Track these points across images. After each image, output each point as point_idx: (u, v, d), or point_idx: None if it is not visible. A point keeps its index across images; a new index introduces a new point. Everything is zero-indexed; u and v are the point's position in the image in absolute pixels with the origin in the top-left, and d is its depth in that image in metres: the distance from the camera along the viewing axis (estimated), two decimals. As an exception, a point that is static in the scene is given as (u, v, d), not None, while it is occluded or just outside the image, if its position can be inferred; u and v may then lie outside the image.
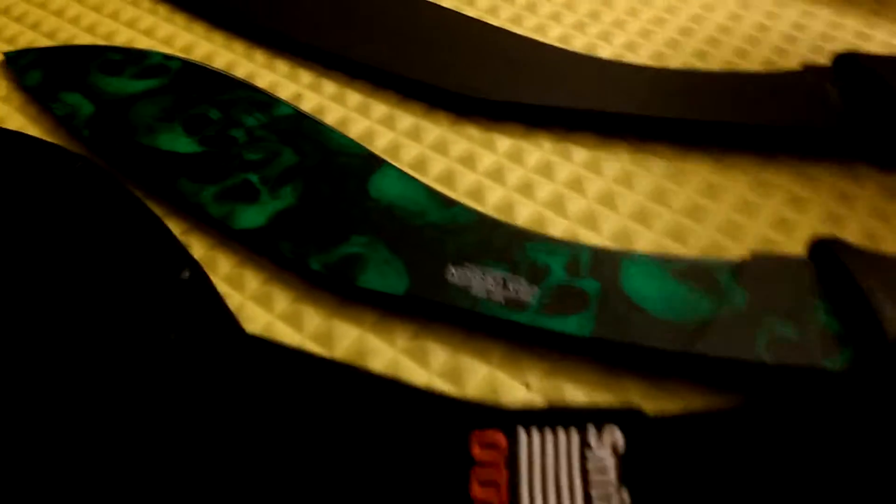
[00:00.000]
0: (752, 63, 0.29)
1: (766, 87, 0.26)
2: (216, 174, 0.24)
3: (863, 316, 0.18)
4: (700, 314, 0.20)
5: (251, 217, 0.23)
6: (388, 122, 0.27)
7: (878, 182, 0.25)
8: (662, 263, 0.21)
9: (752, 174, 0.25)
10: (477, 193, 0.25)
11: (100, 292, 0.21)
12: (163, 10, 0.32)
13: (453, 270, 0.21)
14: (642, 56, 0.30)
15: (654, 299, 0.20)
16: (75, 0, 0.33)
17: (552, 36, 0.31)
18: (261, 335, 0.21)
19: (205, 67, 0.29)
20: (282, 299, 0.22)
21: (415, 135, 0.27)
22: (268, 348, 0.20)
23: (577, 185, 0.25)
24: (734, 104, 0.26)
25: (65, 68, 0.29)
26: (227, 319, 0.21)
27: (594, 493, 0.16)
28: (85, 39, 0.31)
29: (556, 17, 0.32)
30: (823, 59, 0.29)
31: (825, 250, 0.20)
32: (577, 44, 0.30)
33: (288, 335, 0.21)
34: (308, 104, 0.28)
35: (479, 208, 0.24)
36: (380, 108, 0.28)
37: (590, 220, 0.24)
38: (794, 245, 0.23)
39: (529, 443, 0.17)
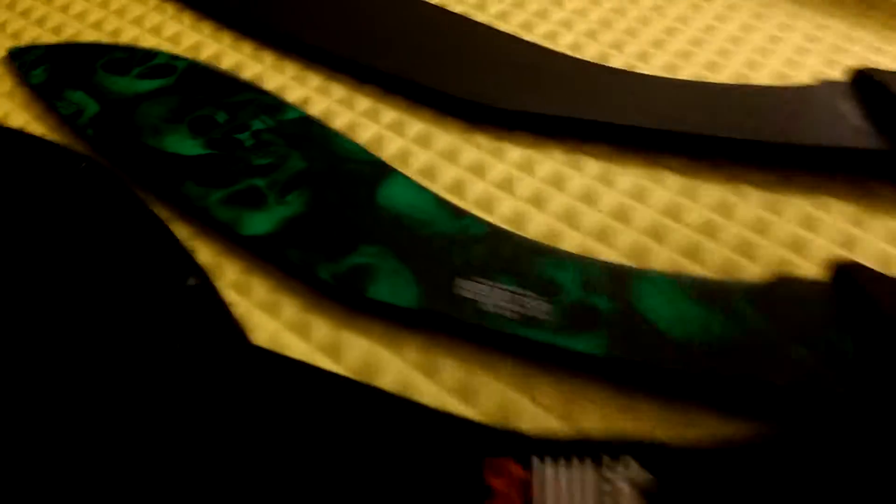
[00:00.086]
0: (764, 75, 0.29)
1: (781, 102, 0.26)
2: (223, 178, 0.24)
3: (884, 342, 0.18)
4: (716, 336, 0.19)
5: (258, 223, 0.23)
6: (398, 129, 0.27)
7: (895, 202, 0.24)
8: (678, 282, 0.21)
9: (766, 191, 0.25)
10: (487, 204, 0.24)
11: (103, 299, 0.21)
12: (170, 8, 0.32)
13: (463, 283, 0.21)
14: (654, 66, 0.29)
15: (669, 319, 0.20)
16: (80, -5, 0.32)
17: (563, 44, 0.30)
18: (268, 347, 0.21)
19: (211, 68, 0.28)
20: (289, 308, 0.22)
21: (424, 142, 0.26)
22: (274, 361, 0.20)
23: (589, 197, 0.25)
24: (749, 119, 0.25)
25: (70, 66, 0.28)
26: (232, 329, 0.20)
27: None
28: (91, 36, 0.31)
29: (567, 24, 0.31)
30: (837, 73, 0.29)
31: (844, 274, 0.20)
32: (589, 52, 0.30)
33: (295, 345, 0.21)
34: (316, 108, 0.27)
35: (489, 219, 0.24)
36: (389, 114, 0.27)
37: (603, 235, 0.23)
38: (809, 265, 0.23)
39: (545, 473, 0.16)
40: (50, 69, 0.28)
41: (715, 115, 0.26)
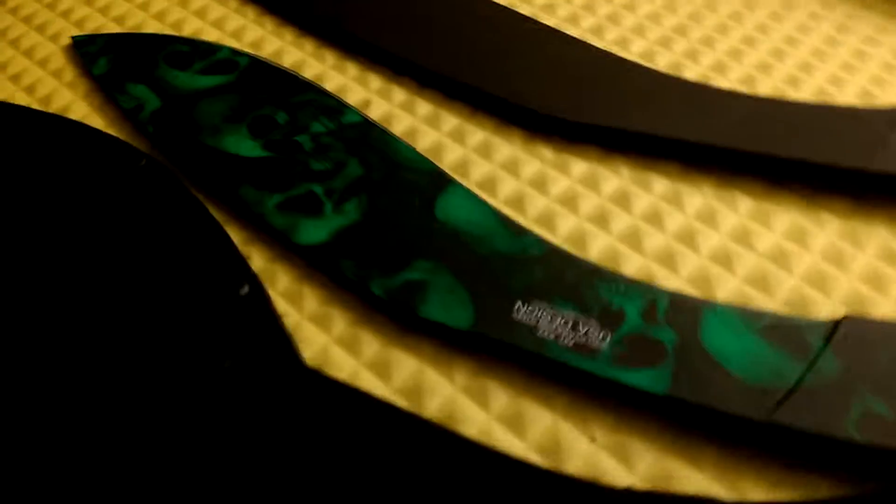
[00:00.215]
0: (848, 93, 0.27)
1: (865, 124, 0.24)
2: (280, 182, 0.24)
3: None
4: (786, 379, 0.18)
5: (314, 232, 0.22)
6: (458, 137, 0.26)
7: (984, 238, 0.23)
8: (747, 318, 0.20)
9: (844, 219, 0.23)
10: (548, 221, 0.24)
11: (156, 301, 0.21)
12: (233, 1, 0.31)
13: (521, 307, 0.20)
14: (731, 79, 0.28)
15: (737, 358, 0.19)
16: (146, -15, 0.32)
17: (634, 51, 0.29)
18: (317, 362, 0.20)
19: (273, 66, 0.28)
20: (340, 322, 0.21)
21: (485, 152, 0.25)
22: (325, 384, 0.19)
23: (655, 218, 0.23)
24: (829, 141, 0.24)
25: (132, 58, 0.28)
26: (284, 346, 0.20)
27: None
28: (153, 27, 0.30)
29: (639, 30, 0.30)
30: (927, 94, 0.27)
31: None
32: (662, 62, 0.29)
33: (344, 361, 0.21)
34: (376, 111, 0.27)
35: (549, 237, 0.23)
36: (450, 121, 0.26)
37: (667, 259, 0.22)
38: (890, 304, 0.21)
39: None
40: (112, 60, 0.28)
41: (793, 136, 0.24)
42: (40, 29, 0.30)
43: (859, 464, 0.18)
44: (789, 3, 0.31)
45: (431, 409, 0.20)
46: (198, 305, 0.21)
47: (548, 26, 0.30)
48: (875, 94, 0.28)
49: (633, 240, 0.23)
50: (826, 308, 0.21)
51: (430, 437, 0.18)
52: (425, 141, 0.26)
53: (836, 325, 0.19)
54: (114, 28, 0.30)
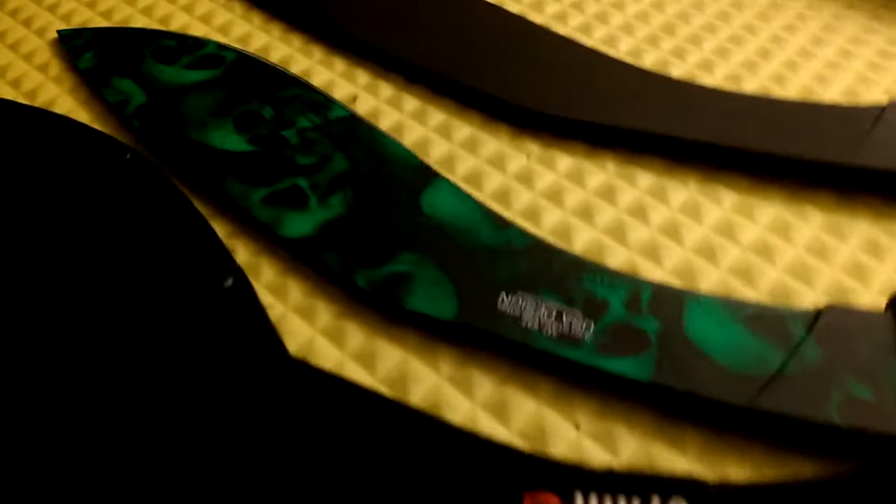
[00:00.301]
0: (833, 92, 0.28)
1: (849, 121, 0.24)
2: (266, 177, 0.24)
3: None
4: (768, 366, 0.18)
5: (299, 225, 0.22)
6: (445, 132, 0.26)
7: (965, 232, 0.23)
8: (730, 307, 0.20)
9: (828, 213, 0.23)
10: (533, 214, 0.24)
11: (140, 293, 0.21)
12: (222, -3, 0.31)
13: (505, 297, 0.20)
14: (717, 76, 0.28)
15: (720, 346, 0.19)
16: (134, -19, 0.32)
17: (622, 49, 0.29)
18: (301, 354, 0.20)
19: (260, 61, 0.28)
20: (325, 314, 0.21)
21: (471, 147, 0.26)
22: (309, 374, 0.19)
23: (640, 212, 0.24)
24: (814, 137, 0.24)
25: (119, 52, 0.28)
26: (269, 337, 0.20)
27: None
28: (140, 22, 0.30)
29: (627, 28, 0.30)
30: (911, 92, 0.28)
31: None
32: (649, 59, 0.29)
33: (329, 352, 0.21)
34: (364, 107, 0.27)
35: (535, 231, 0.23)
36: (437, 116, 0.27)
37: (652, 252, 0.22)
38: (871, 295, 0.21)
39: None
40: (98, 54, 0.28)
41: (778, 132, 0.24)
42: (26, 23, 0.30)
43: (842, 447, 0.18)
44: (776, 4, 0.31)
45: (416, 398, 0.20)
46: (182, 296, 0.21)
47: (536, 24, 0.30)
48: (859, 92, 0.28)
49: (618, 233, 0.23)
50: (809, 299, 0.21)
51: (415, 423, 0.18)
52: (412, 136, 0.26)
53: (818, 313, 0.19)
54: (101, 23, 0.30)
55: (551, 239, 0.22)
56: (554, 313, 0.20)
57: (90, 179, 0.24)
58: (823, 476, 0.17)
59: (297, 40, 0.30)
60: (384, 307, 0.21)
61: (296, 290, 0.22)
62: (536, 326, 0.20)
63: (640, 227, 0.23)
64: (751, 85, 0.28)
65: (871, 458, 0.17)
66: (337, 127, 0.25)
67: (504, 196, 0.24)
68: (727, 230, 0.23)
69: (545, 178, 0.25)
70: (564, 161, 0.25)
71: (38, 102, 0.27)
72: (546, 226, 0.23)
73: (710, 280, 0.22)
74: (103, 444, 0.17)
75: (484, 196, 0.24)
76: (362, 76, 0.28)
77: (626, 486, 0.15)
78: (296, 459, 0.17)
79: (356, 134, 0.25)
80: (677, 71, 0.28)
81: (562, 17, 0.31)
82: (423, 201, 0.23)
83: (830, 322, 0.19)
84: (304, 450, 0.17)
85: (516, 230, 0.22)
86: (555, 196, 0.24)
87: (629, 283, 0.21)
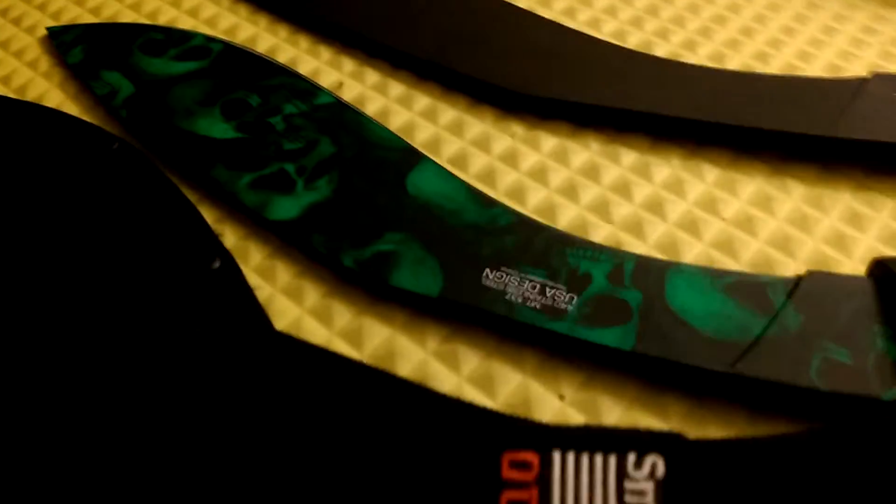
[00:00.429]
0: (816, 67, 0.28)
1: (831, 95, 0.25)
2: (252, 162, 0.24)
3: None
4: (749, 333, 0.19)
5: (285, 208, 0.23)
6: (430, 116, 0.26)
7: (946, 200, 0.23)
8: (711, 277, 0.20)
9: (809, 185, 0.24)
10: (518, 193, 0.24)
11: (130, 278, 0.21)
12: (208, -10, 0.32)
13: (490, 273, 0.21)
14: (700, 55, 0.28)
15: (701, 315, 0.19)
16: (122, -22, 0.32)
17: (606, 31, 0.29)
18: (289, 332, 0.21)
19: (247, 51, 0.28)
20: (312, 294, 0.22)
21: (457, 129, 0.26)
22: (296, 347, 0.19)
23: (624, 189, 0.24)
24: (796, 111, 0.24)
25: (107, 46, 0.28)
26: (256, 314, 0.20)
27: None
28: (129, 17, 0.31)
29: (611, 11, 0.30)
30: (894, 67, 0.28)
31: (886, 271, 0.19)
32: (633, 40, 0.29)
33: (317, 331, 0.21)
34: (350, 93, 0.27)
35: (520, 209, 0.23)
36: (422, 101, 0.27)
37: (635, 227, 0.23)
38: (852, 264, 0.22)
39: (564, 466, 0.16)
40: (87, 49, 0.28)
41: (760, 107, 0.25)
42: (16, 21, 0.31)
43: (822, 409, 0.18)
44: (758, -16, 0.32)
45: (403, 372, 0.20)
46: (171, 278, 0.21)
47: (519, 7, 0.30)
48: (842, 67, 0.28)
49: (602, 210, 0.23)
50: (790, 269, 0.22)
51: (399, 391, 0.18)
52: (398, 120, 0.26)
53: (798, 280, 0.20)
54: (90, 19, 0.30)
55: (536, 216, 0.23)
56: (538, 287, 0.20)
57: (79, 169, 0.24)
58: (793, 433, 0.17)
59: (283, 30, 0.30)
60: (370, 285, 0.21)
61: (283, 272, 0.22)
62: (521, 300, 0.20)
63: (624, 203, 0.23)
64: (734, 63, 0.28)
65: (850, 418, 0.17)
66: (323, 112, 0.25)
67: (489, 176, 0.24)
68: (710, 204, 0.23)
69: (530, 159, 0.25)
70: (549, 141, 0.25)
71: (29, 97, 0.27)
72: (531, 204, 0.23)
73: (692, 253, 0.22)
74: (94, 420, 0.18)
75: (469, 177, 0.24)
76: (348, 63, 0.28)
77: (602, 442, 0.15)
78: (284, 429, 0.17)
79: (342, 119, 0.25)
80: (661, 51, 0.28)
81: (546, 2, 0.31)
82: (408, 182, 0.23)
83: (811, 288, 0.19)
84: (291, 419, 0.17)
85: (501, 208, 0.22)
86: (539, 175, 0.24)
87: (612, 256, 0.21)
